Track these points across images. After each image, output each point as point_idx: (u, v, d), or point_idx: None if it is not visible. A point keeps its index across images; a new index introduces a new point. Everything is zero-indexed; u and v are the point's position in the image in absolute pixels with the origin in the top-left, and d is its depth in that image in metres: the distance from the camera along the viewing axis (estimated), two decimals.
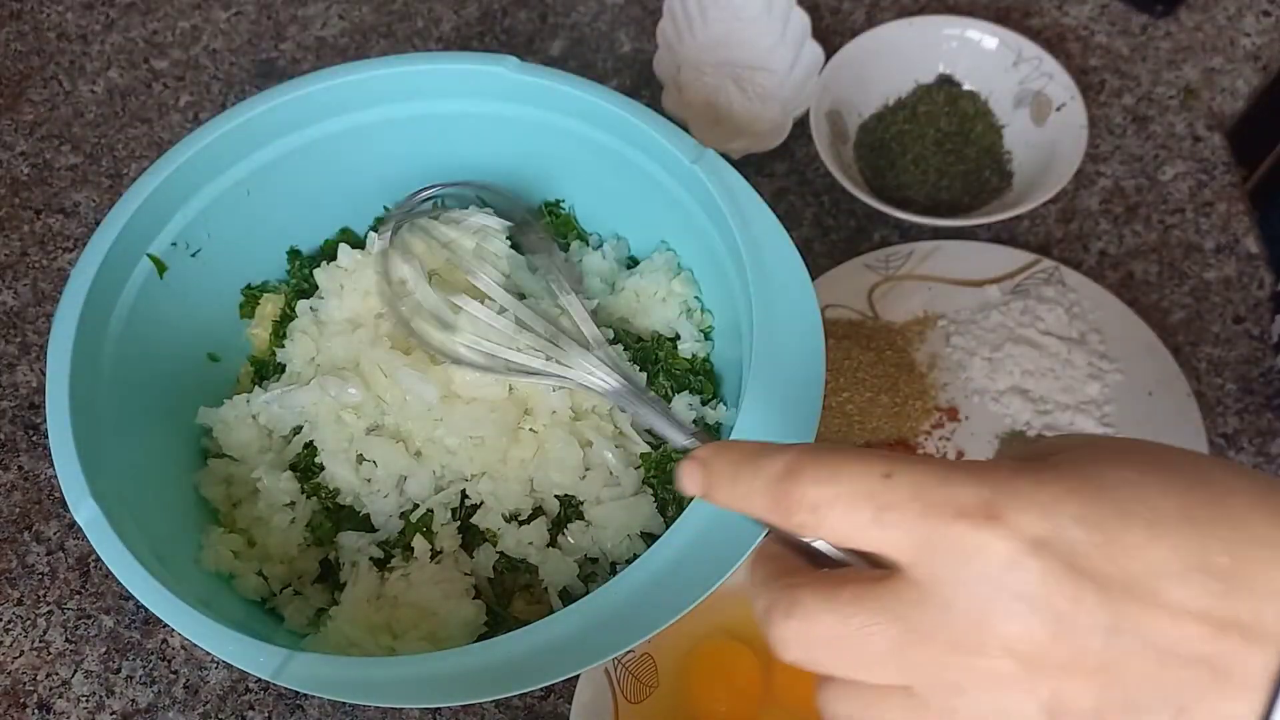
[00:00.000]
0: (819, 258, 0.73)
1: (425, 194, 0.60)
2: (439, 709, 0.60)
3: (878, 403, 0.66)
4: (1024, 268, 0.71)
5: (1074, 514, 0.27)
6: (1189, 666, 0.26)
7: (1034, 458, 0.30)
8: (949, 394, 0.68)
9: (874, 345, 0.68)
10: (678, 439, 0.42)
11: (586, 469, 0.56)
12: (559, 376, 0.48)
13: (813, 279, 0.53)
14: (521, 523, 0.56)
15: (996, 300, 0.71)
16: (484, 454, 0.56)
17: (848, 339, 0.68)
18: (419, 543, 0.55)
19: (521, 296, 0.56)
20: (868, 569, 0.30)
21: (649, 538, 0.55)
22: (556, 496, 0.56)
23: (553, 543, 0.56)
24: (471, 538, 0.57)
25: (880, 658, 0.28)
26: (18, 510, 0.66)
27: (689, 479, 0.34)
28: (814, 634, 0.29)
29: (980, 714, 0.27)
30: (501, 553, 0.55)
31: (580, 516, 0.56)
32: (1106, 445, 0.30)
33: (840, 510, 0.29)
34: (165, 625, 0.51)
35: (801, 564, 0.32)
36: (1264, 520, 0.27)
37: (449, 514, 0.56)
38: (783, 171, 0.77)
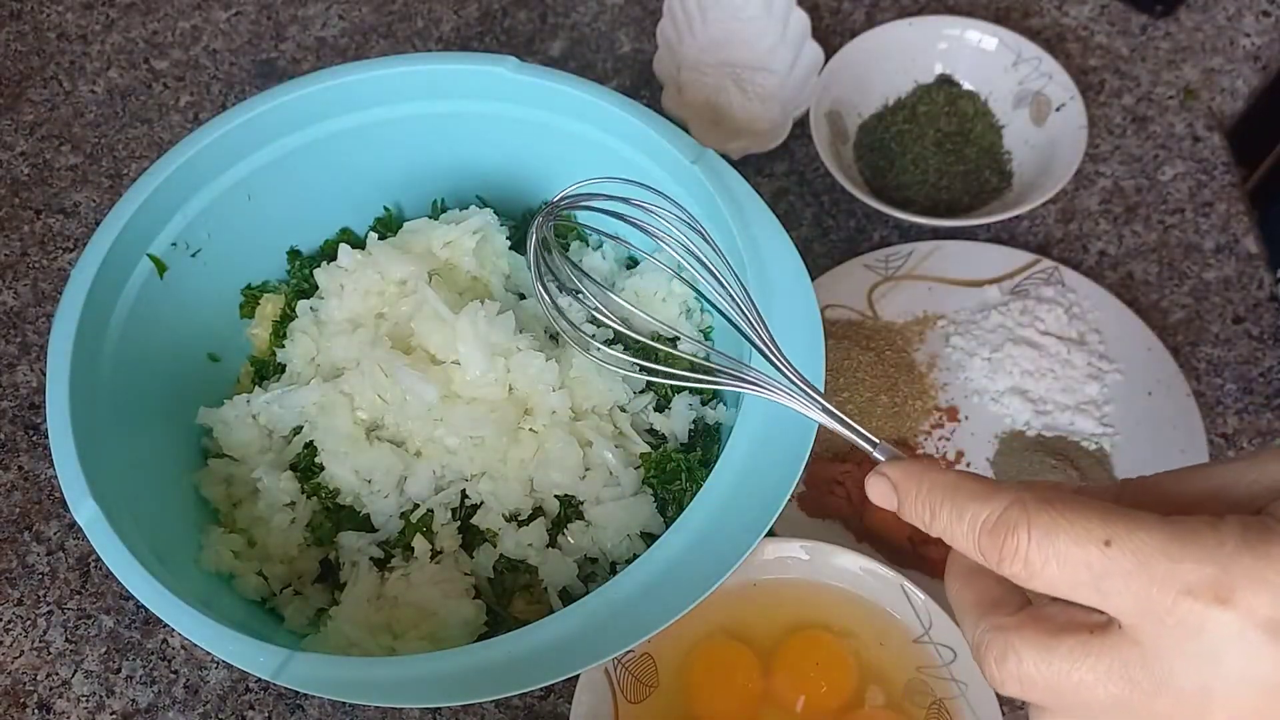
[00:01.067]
0: (819, 258, 0.73)
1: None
2: (439, 709, 0.60)
3: (877, 403, 0.66)
4: (1024, 268, 0.71)
5: None
6: None
7: (1259, 526, 0.29)
8: (949, 394, 0.68)
9: (874, 345, 0.68)
10: (862, 445, 0.41)
11: (586, 469, 0.56)
12: (759, 388, 0.46)
13: (813, 279, 0.53)
14: (521, 523, 0.56)
15: (996, 300, 0.71)
16: (484, 454, 0.56)
17: (847, 339, 0.68)
18: (419, 543, 0.55)
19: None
20: (1082, 613, 0.30)
21: (649, 538, 0.55)
22: (556, 496, 0.56)
23: (552, 543, 0.56)
24: (471, 538, 0.57)
25: (1099, 709, 0.29)
26: (18, 510, 0.66)
27: (879, 494, 0.35)
28: (1032, 679, 0.30)
29: None
30: (502, 554, 0.55)
31: (580, 516, 0.56)
32: None
33: (1058, 573, 0.29)
34: (165, 625, 0.51)
35: (1006, 591, 0.32)
36: None
37: (449, 514, 0.56)
38: (783, 171, 0.77)
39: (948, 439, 0.67)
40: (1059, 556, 0.29)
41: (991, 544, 0.30)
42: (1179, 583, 0.28)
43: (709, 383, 0.44)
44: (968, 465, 0.66)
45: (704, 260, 0.46)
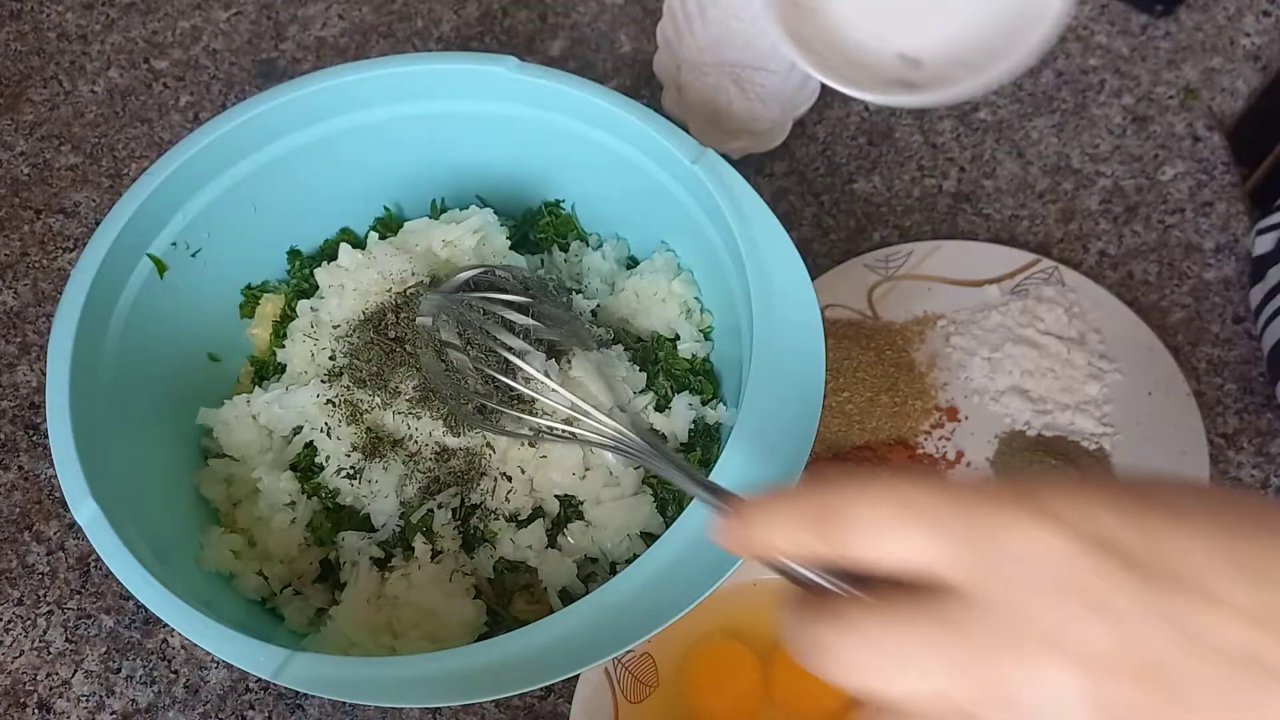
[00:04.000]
0: (819, 258, 0.73)
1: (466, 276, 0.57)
2: (439, 709, 0.60)
3: (878, 402, 0.66)
4: (1024, 268, 0.71)
5: (1119, 513, 0.27)
6: (1242, 667, 0.25)
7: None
8: (949, 394, 0.68)
9: (874, 345, 0.68)
10: (698, 494, 0.40)
11: (586, 469, 0.56)
12: (587, 440, 0.47)
13: (813, 279, 0.53)
14: (520, 524, 0.56)
15: (996, 300, 0.71)
16: (484, 454, 0.56)
17: (847, 339, 0.68)
18: (419, 543, 0.55)
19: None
20: (915, 591, 0.29)
21: (649, 538, 0.55)
22: (556, 496, 0.56)
23: (552, 543, 0.56)
24: (471, 538, 0.57)
25: (940, 668, 0.27)
26: (18, 510, 0.66)
27: (723, 535, 0.34)
28: (869, 649, 0.28)
29: (1037, 718, 0.27)
30: (501, 555, 0.55)
31: (580, 516, 0.56)
32: (1124, 476, 0.30)
33: (886, 524, 0.29)
34: (165, 625, 0.51)
35: (837, 601, 0.31)
36: None
37: (449, 514, 0.56)
38: (783, 171, 0.77)
39: (948, 439, 0.67)
40: (887, 508, 0.29)
41: (823, 514, 0.30)
42: (1000, 506, 0.27)
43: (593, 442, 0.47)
44: (968, 465, 0.66)
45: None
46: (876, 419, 0.66)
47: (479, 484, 0.56)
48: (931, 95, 0.62)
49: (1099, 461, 0.65)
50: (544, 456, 0.55)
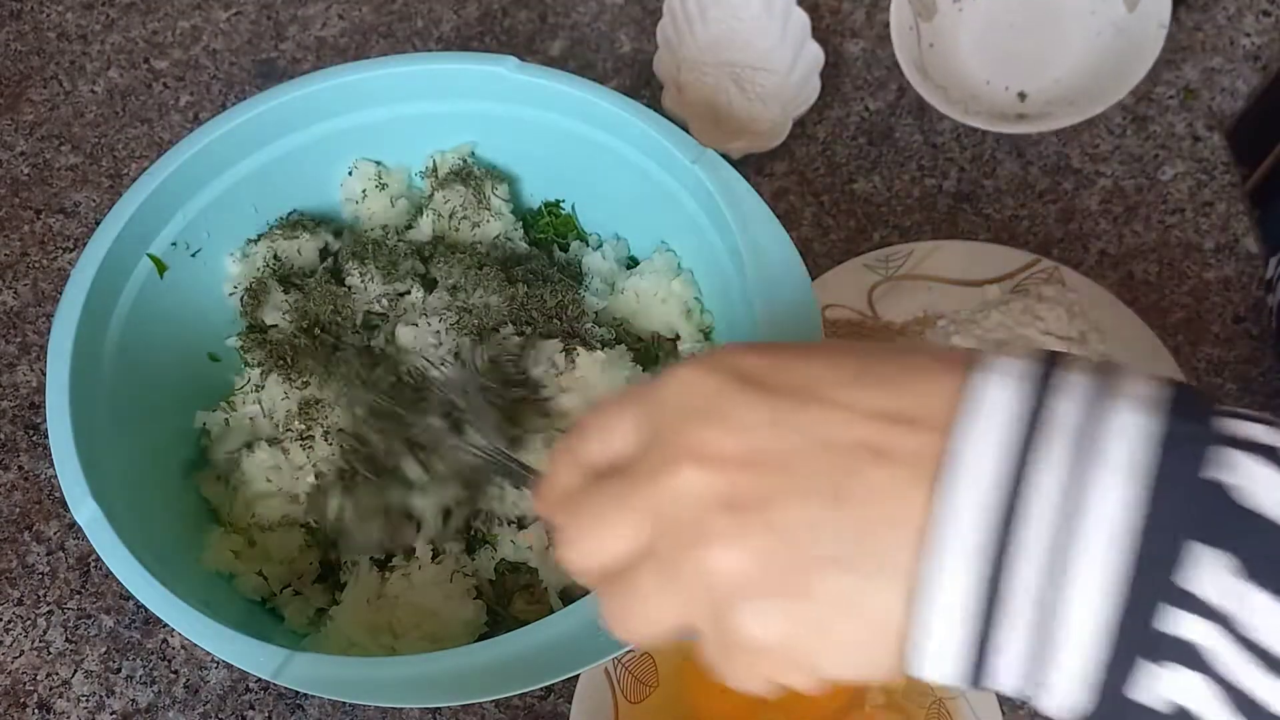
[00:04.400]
0: (819, 258, 0.73)
1: None
2: (439, 709, 0.60)
3: None
4: (1024, 267, 0.71)
5: (760, 352, 0.31)
6: (849, 451, 0.28)
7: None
8: None
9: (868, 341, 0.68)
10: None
11: None
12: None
13: (813, 279, 0.53)
14: (521, 527, 0.56)
15: (996, 300, 0.71)
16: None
17: (848, 339, 0.68)
18: (418, 545, 0.55)
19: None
20: None
21: None
22: None
23: (552, 544, 0.56)
24: (473, 540, 0.56)
25: (623, 515, 0.30)
26: (18, 510, 0.66)
27: (537, 500, 0.36)
28: (574, 517, 0.32)
29: (680, 522, 0.29)
30: (502, 557, 0.55)
31: None
32: None
33: (603, 418, 0.33)
34: (165, 625, 0.51)
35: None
36: (927, 354, 0.30)
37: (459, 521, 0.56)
38: (783, 171, 0.77)
39: None
40: (609, 401, 0.33)
41: (569, 433, 0.34)
42: (670, 368, 0.31)
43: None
44: None
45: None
46: None
47: (486, 491, 0.56)
48: (1036, 127, 0.73)
49: None
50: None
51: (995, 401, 0.26)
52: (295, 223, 0.64)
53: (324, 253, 0.65)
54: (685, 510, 0.29)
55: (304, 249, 0.63)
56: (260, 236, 0.64)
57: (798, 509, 0.28)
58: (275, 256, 0.63)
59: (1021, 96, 0.77)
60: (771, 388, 0.29)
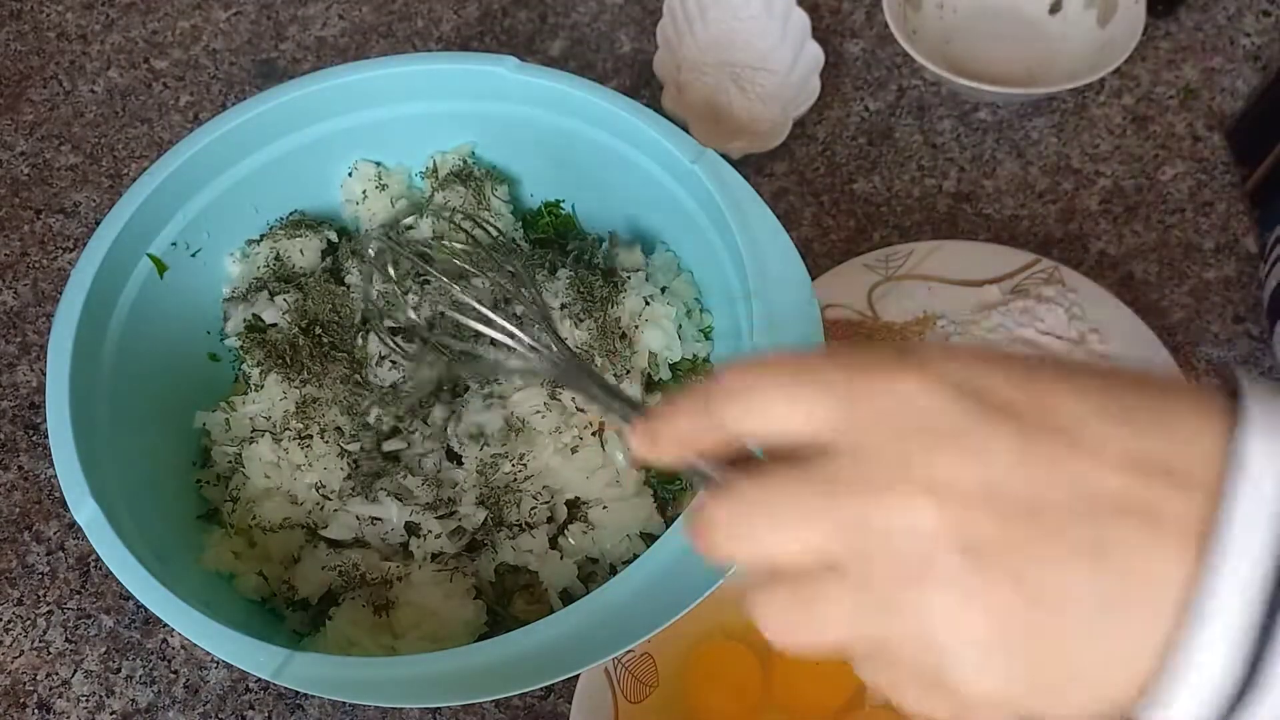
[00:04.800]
0: (819, 258, 0.73)
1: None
2: (439, 709, 0.60)
3: None
4: (1024, 268, 0.71)
5: (987, 365, 0.27)
6: (1106, 504, 0.25)
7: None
8: None
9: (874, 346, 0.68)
10: (615, 408, 0.37)
11: (603, 469, 0.56)
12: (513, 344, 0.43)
13: (813, 279, 0.53)
14: (521, 530, 0.55)
15: (996, 300, 0.71)
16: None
17: (848, 339, 0.68)
18: (416, 546, 0.55)
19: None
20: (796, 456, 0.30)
21: (649, 538, 0.55)
22: (565, 501, 0.56)
23: (553, 545, 0.56)
24: (474, 542, 0.56)
25: (805, 517, 0.27)
26: (18, 510, 0.66)
27: (635, 437, 0.33)
28: (745, 510, 0.28)
29: (900, 554, 0.26)
30: (503, 560, 0.55)
31: (583, 518, 0.56)
32: None
33: (767, 391, 0.29)
34: (165, 625, 0.51)
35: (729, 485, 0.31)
36: (1166, 381, 0.27)
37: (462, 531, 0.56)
38: (783, 171, 0.77)
39: None
40: (765, 376, 0.29)
41: (707, 392, 0.30)
42: (873, 364, 0.28)
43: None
44: None
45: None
46: None
47: (503, 498, 0.56)
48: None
49: None
50: (574, 451, 0.55)
51: (1265, 467, 0.24)
52: (298, 222, 0.64)
53: (325, 253, 0.65)
54: (910, 544, 0.26)
55: (306, 249, 0.63)
56: (263, 236, 0.64)
57: (1051, 569, 0.25)
58: (277, 257, 0.63)
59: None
60: (1016, 414, 0.26)
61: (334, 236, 0.65)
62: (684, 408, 0.31)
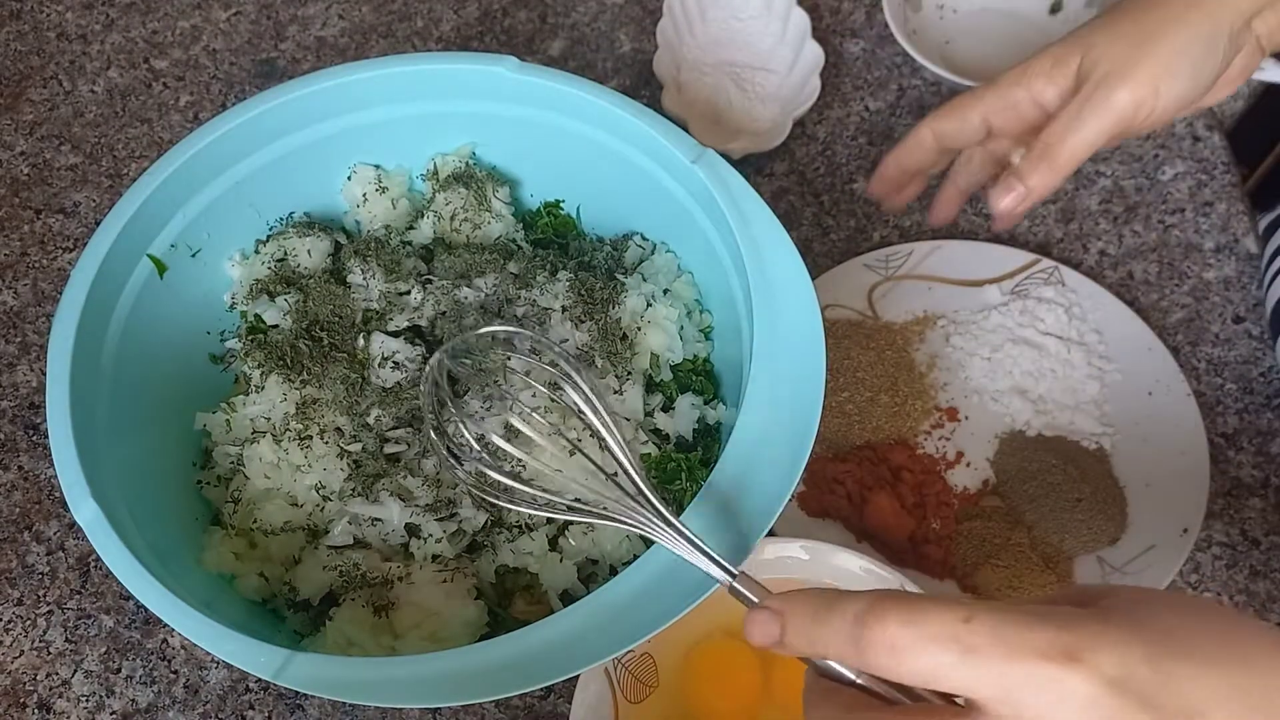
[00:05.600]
0: (819, 258, 0.73)
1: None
2: (439, 709, 0.60)
3: (878, 402, 0.66)
4: (1024, 267, 0.71)
5: (1140, 655, 0.30)
6: None
7: (1089, 602, 0.33)
8: (949, 394, 0.68)
9: (874, 345, 0.68)
10: (719, 575, 0.41)
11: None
12: (615, 521, 0.45)
13: (813, 279, 0.53)
14: (520, 532, 0.55)
15: (996, 300, 0.71)
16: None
17: (847, 339, 0.68)
18: (416, 547, 0.55)
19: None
20: (940, 704, 0.33)
21: (648, 539, 0.55)
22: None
23: (553, 546, 0.56)
24: (474, 544, 0.56)
25: None
26: (18, 510, 0.66)
27: (762, 628, 0.36)
28: None
29: None
30: (503, 562, 0.55)
31: None
32: (1150, 592, 0.34)
33: (923, 652, 0.31)
34: (165, 625, 0.51)
35: (868, 700, 0.34)
36: None
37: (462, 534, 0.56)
38: (783, 171, 0.77)
39: (948, 439, 0.67)
40: (924, 636, 0.31)
41: (860, 630, 0.32)
42: (1034, 648, 0.30)
43: (573, 516, 0.45)
44: (968, 465, 0.66)
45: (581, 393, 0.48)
46: (876, 419, 0.66)
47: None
48: None
49: (1099, 461, 0.65)
50: (572, 455, 0.55)
51: None
52: (310, 224, 0.64)
53: (333, 256, 0.65)
54: None
55: (314, 249, 0.63)
56: (270, 237, 0.64)
57: None
58: (282, 257, 0.63)
59: None
60: (1158, 706, 0.30)
61: (343, 239, 0.65)
62: (824, 638, 0.33)
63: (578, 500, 0.47)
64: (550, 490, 0.47)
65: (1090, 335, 0.69)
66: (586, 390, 0.47)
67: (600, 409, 0.46)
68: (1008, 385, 0.67)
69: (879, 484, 0.63)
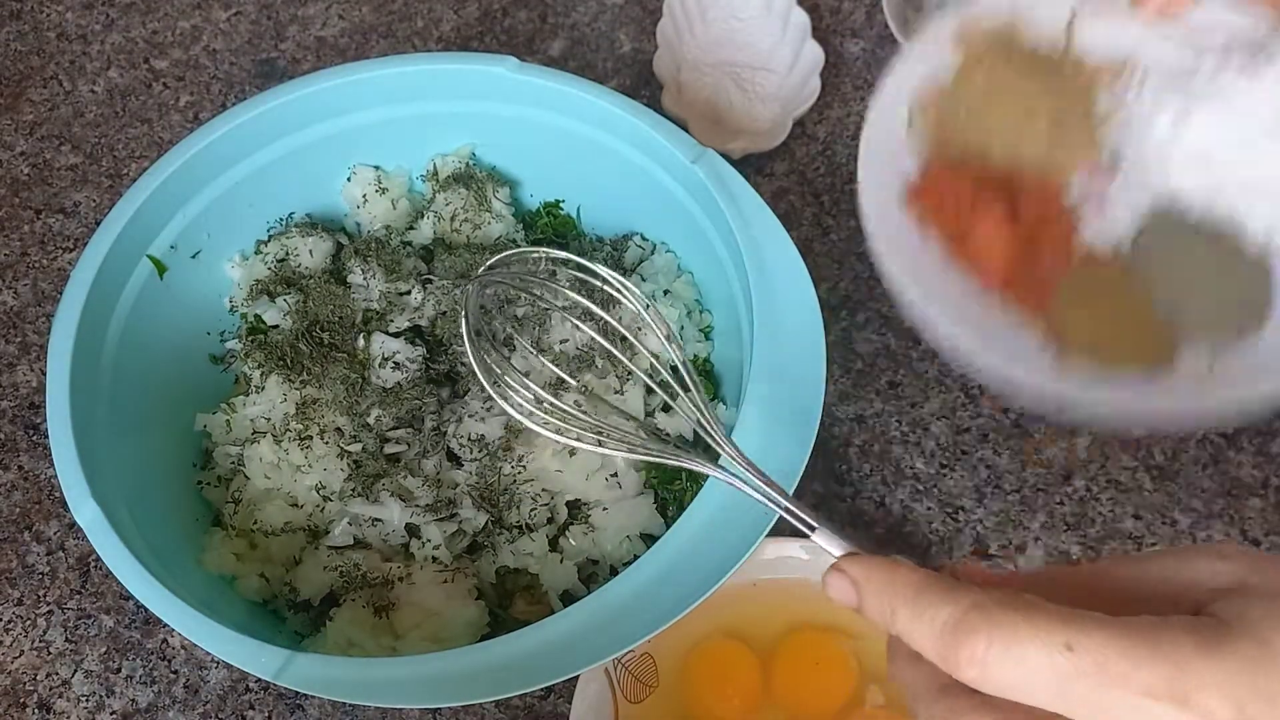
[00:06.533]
0: (819, 257, 0.73)
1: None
2: (439, 709, 0.60)
3: (1033, 126, 0.55)
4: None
5: (1251, 689, 0.29)
6: None
7: (1208, 628, 0.31)
8: (1116, 146, 0.55)
9: (1052, 78, 0.55)
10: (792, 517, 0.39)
11: (604, 472, 0.56)
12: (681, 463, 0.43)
13: (813, 279, 0.53)
14: (521, 533, 0.55)
15: (1215, 64, 0.54)
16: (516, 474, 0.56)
17: (1014, 63, 0.55)
18: (417, 548, 0.55)
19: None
20: (1041, 712, 0.31)
21: (649, 539, 0.55)
22: (567, 502, 0.56)
23: (553, 547, 0.56)
24: (474, 545, 0.56)
25: None
26: (18, 510, 0.66)
27: (839, 591, 0.35)
28: None
29: None
30: (503, 563, 0.55)
31: (584, 519, 0.56)
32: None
33: (1019, 676, 0.30)
34: (165, 625, 0.51)
35: (961, 687, 0.33)
36: None
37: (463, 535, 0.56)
38: (783, 171, 0.77)
39: (1094, 195, 0.54)
40: (1022, 660, 0.30)
41: (953, 644, 0.31)
42: (1139, 684, 0.29)
43: (658, 457, 0.43)
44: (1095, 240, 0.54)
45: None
46: (1025, 142, 0.55)
47: (501, 500, 0.56)
48: None
49: (1256, 267, 0.53)
50: (573, 455, 0.55)
51: None
52: (311, 224, 0.64)
53: (333, 256, 0.65)
54: None
55: (316, 250, 0.63)
56: (271, 237, 0.64)
57: None
58: (284, 257, 0.63)
59: None
60: None
61: (345, 240, 0.65)
62: (914, 628, 0.32)
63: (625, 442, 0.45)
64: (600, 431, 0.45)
65: None
66: (638, 307, 0.47)
67: (666, 321, 0.45)
68: (1191, 154, 0.55)
69: (997, 199, 0.53)
